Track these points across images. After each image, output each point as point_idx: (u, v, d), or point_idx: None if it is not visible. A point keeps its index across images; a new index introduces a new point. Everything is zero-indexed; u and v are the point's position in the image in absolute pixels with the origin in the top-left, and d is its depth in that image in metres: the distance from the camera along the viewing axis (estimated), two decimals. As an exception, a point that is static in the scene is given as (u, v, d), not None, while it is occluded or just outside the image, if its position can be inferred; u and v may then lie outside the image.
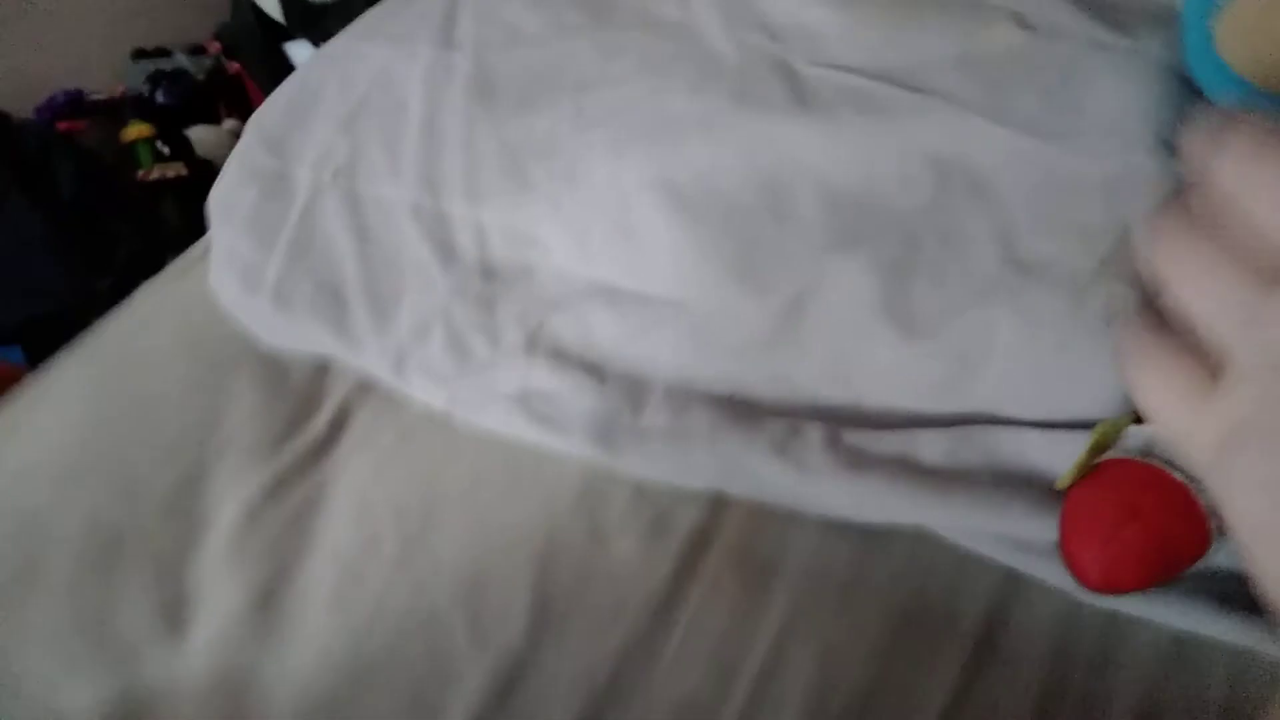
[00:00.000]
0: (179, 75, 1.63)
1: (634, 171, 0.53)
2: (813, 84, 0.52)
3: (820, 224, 0.49)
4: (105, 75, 1.62)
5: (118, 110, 1.56)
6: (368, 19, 0.69)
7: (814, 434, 0.45)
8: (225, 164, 0.64)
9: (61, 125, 1.48)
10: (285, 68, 1.66)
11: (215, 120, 1.64)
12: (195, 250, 0.64)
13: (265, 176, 0.61)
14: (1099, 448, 0.38)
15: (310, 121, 0.62)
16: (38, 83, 1.55)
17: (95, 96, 1.54)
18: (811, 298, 0.48)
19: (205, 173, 1.51)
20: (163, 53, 1.63)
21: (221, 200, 0.61)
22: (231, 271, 0.57)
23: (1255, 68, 0.37)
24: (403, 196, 0.58)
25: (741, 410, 0.47)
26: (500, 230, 0.56)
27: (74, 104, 1.52)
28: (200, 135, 1.61)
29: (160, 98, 1.59)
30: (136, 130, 1.54)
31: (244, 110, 1.67)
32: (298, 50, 1.65)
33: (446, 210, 0.57)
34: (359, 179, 0.59)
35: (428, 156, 0.58)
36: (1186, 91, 0.44)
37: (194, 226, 0.66)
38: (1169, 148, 0.42)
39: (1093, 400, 0.42)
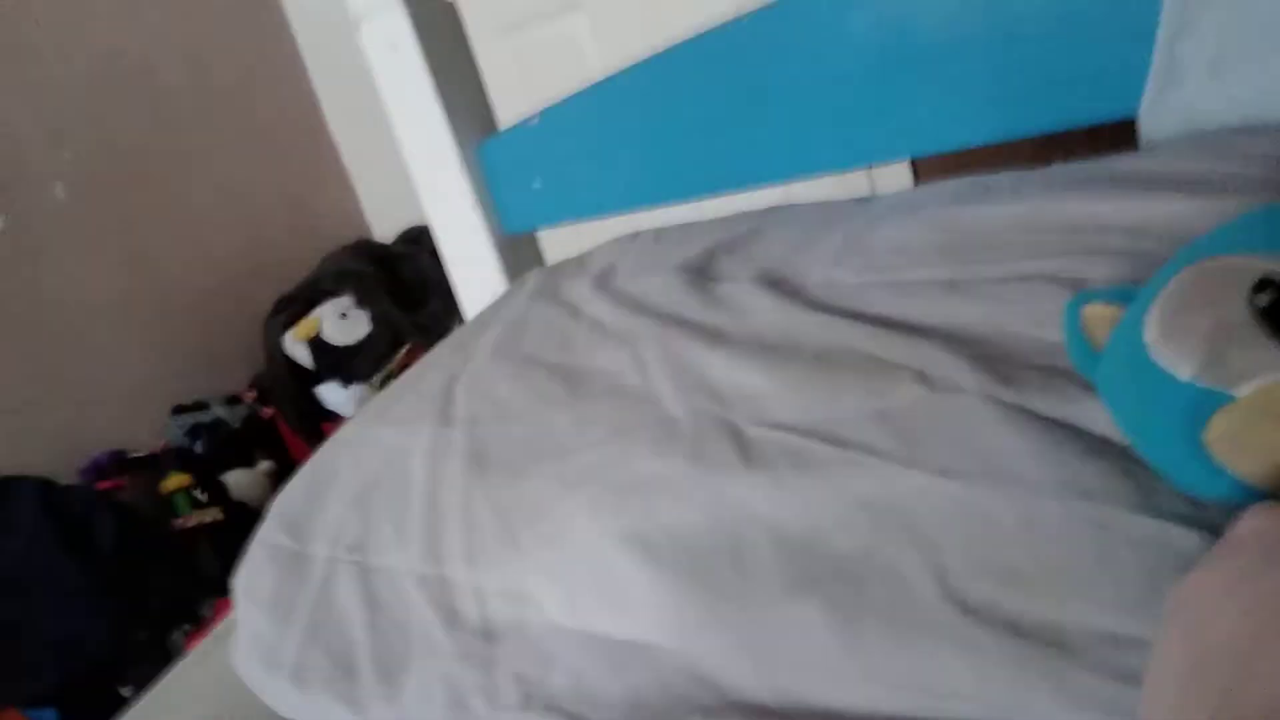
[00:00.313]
0: (216, 425, 1.75)
1: (612, 530, 0.58)
2: (756, 443, 0.58)
3: (776, 571, 0.53)
4: (145, 431, 1.73)
5: (158, 463, 1.66)
6: (378, 402, 0.78)
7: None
8: (249, 547, 0.70)
9: (102, 484, 1.58)
10: (317, 409, 1.79)
11: (250, 463, 1.74)
12: (222, 628, 0.68)
13: (284, 557, 0.67)
14: None
15: (326, 502, 0.69)
16: (82, 443, 1.65)
17: (135, 454, 1.65)
18: (773, 638, 0.51)
19: (241, 515, 1.59)
20: (201, 405, 1.75)
21: (244, 583, 0.67)
22: (254, 653, 0.62)
23: (1254, 463, 0.39)
24: (410, 566, 0.64)
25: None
26: (497, 592, 0.61)
27: (116, 463, 1.62)
28: (236, 479, 1.70)
29: (198, 449, 1.70)
30: (175, 481, 1.63)
31: (278, 452, 1.78)
32: (328, 392, 1.78)
33: (449, 576, 0.62)
34: (370, 553, 0.65)
35: (431, 527, 0.64)
36: (1074, 441, 0.49)
37: (229, 568, 0.71)
38: (1073, 491, 0.47)
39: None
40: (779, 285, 0.71)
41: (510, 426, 0.69)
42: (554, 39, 1.43)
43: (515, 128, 1.01)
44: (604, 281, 0.80)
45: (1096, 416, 0.50)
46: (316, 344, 1.77)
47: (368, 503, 0.68)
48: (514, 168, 1.01)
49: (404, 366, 1.73)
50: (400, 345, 1.75)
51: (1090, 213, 0.63)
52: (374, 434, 0.73)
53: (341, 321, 1.77)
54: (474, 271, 1.05)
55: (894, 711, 0.49)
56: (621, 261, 0.84)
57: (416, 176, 1.05)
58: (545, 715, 0.54)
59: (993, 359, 0.56)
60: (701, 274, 0.76)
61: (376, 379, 1.73)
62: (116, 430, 1.68)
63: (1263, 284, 0.39)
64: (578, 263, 0.89)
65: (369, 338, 1.78)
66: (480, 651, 0.59)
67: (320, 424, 1.75)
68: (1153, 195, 0.62)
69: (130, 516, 1.50)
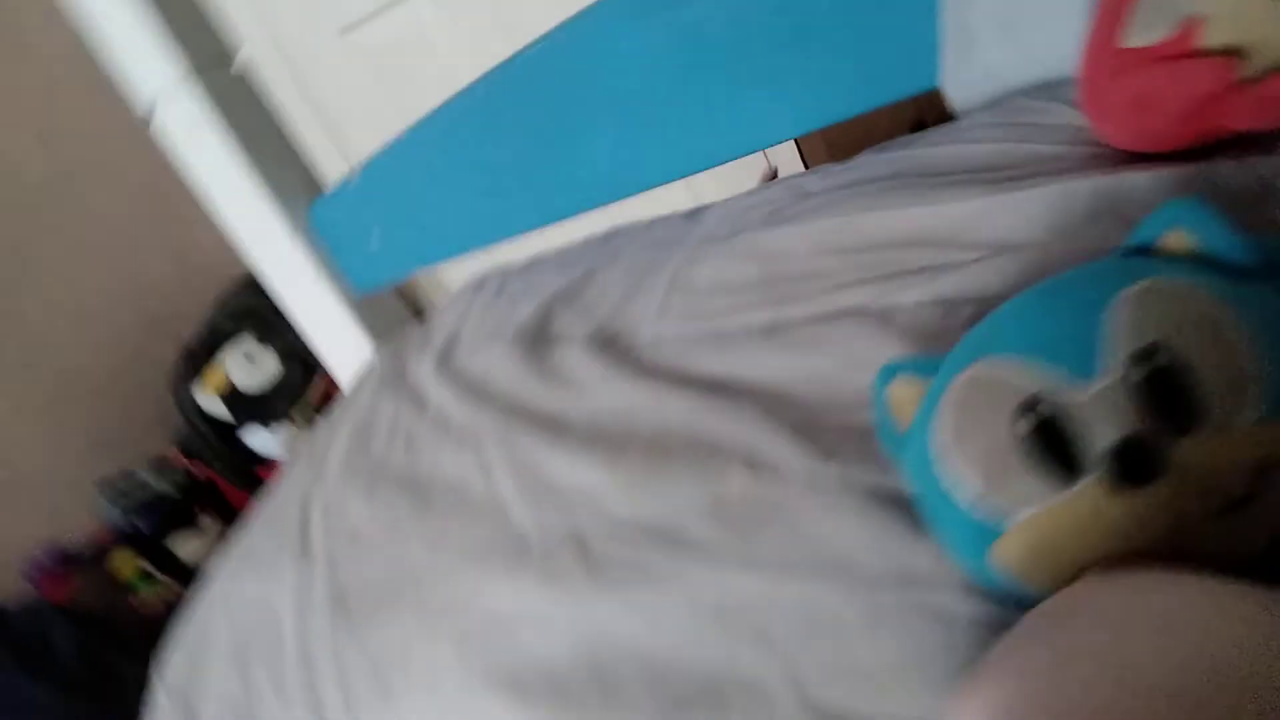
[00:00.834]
0: (152, 499, 1.72)
1: (478, 670, 0.57)
2: (603, 558, 0.57)
3: (645, 698, 0.52)
4: (79, 516, 1.71)
5: (101, 548, 1.64)
6: (239, 548, 0.76)
7: None
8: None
9: (50, 586, 1.56)
10: (248, 456, 1.77)
11: (194, 524, 1.73)
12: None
13: (179, 733, 0.66)
14: None
15: (208, 666, 0.68)
16: (16, 546, 1.62)
17: (75, 546, 1.62)
18: None
19: (198, 579, 1.58)
20: (128, 475, 1.72)
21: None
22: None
23: (1043, 580, 0.38)
24: (295, 723, 0.63)
25: None
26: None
27: (58, 558, 1.60)
28: (186, 545, 1.69)
29: (141, 526, 1.68)
30: (125, 562, 1.62)
31: (220, 507, 1.76)
32: (253, 438, 1.76)
33: (329, 728, 0.61)
34: (254, 715, 0.64)
35: (308, 683, 0.64)
36: (901, 519, 0.48)
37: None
38: (906, 580, 0.46)
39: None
40: (612, 345, 0.68)
41: (366, 560, 0.67)
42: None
43: (339, 188, 0.97)
44: (447, 358, 0.78)
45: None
46: (229, 394, 1.74)
47: (245, 663, 0.67)
48: (347, 227, 0.97)
49: (324, 396, 1.70)
50: (313, 373, 1.72)
51: (898, 226, 0.61)
52: (240, 587, 0.72)
53: (248, 365, 1.73)
54: (336, 337, 1.02)
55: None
56: (464, 327, 0.82)
57: (253, 254, 1.01)
58: None
59: (815, 429, 0.54)
60: (540, 337, 0.74)
61: (298, 416, 1.71)
62: (49, 524, 1.65)
63: (1025, 407, 0.37)
64: (425, 333, 0.86)
65: (280, 375, 1.74)
66: None
67: (255, 470, 1.73)
68: (956, 194, 0.59)
69: (87, 620, 1.50)
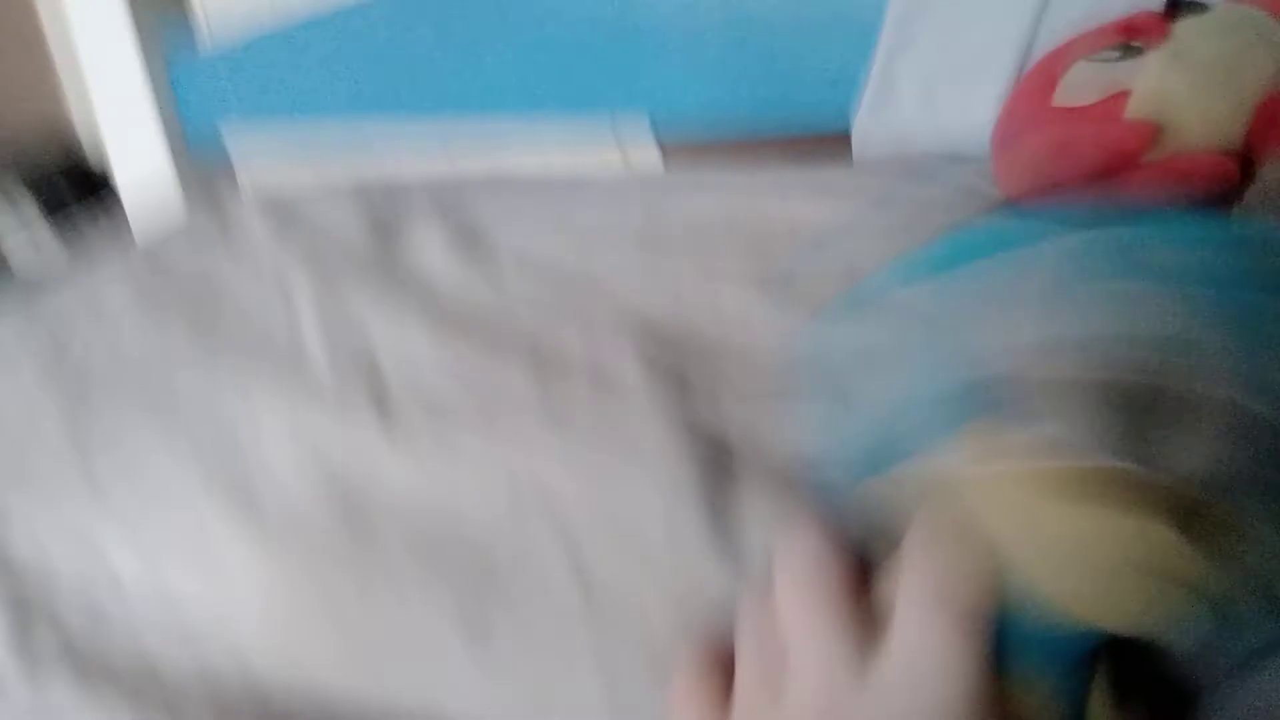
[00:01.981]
0: None
1: (216, 489, 0.50)
2: (402, 408, 0.51)
3: (403, 551, 0.47)
4: None
5: None
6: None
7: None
8: None
9: None
10: None
11: None
12: None
13: None
14: None
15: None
16: None
17: None
18: (396, 627, 0.46)
19: None
20: None
21: None
22: None
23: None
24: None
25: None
26: (60, 528, 0.52)
27: None
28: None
29: None
30: None
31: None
32: None
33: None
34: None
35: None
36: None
37: None
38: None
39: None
40: (471, 239, 0.64)
41: (124, 375, 0.58)
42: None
43: (217, 54, 0.89)
44: (266, 199, 0.71)
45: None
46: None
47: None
48: (210, 92, 0.89)
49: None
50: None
51: (786, 216, 0.61)
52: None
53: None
54: (149, 197, 0.92)
55: (505, 709, 0.44)
56: (303, 192, 0.75)
57: (95, 89, 0.90)
58: (96, 686, 0.45)
59: (667, 347, 0.52)
60: (388, 218, 0.68)
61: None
62: None
63: None
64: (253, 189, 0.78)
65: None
66: (27, 614, 0.49)
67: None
68: (852, 205, 0.60)
69: None
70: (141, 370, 0.58)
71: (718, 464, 0.44)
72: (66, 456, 0.54)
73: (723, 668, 0.38)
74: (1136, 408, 0.29)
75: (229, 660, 0.47)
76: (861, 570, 0.35)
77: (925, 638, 0.30)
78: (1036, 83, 0.57)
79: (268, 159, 0.93)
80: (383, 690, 0.45)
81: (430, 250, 0.63)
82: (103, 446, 0.54)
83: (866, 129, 0.71)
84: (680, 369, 0.51)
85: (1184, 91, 0.51)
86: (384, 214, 0.69)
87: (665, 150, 0.85)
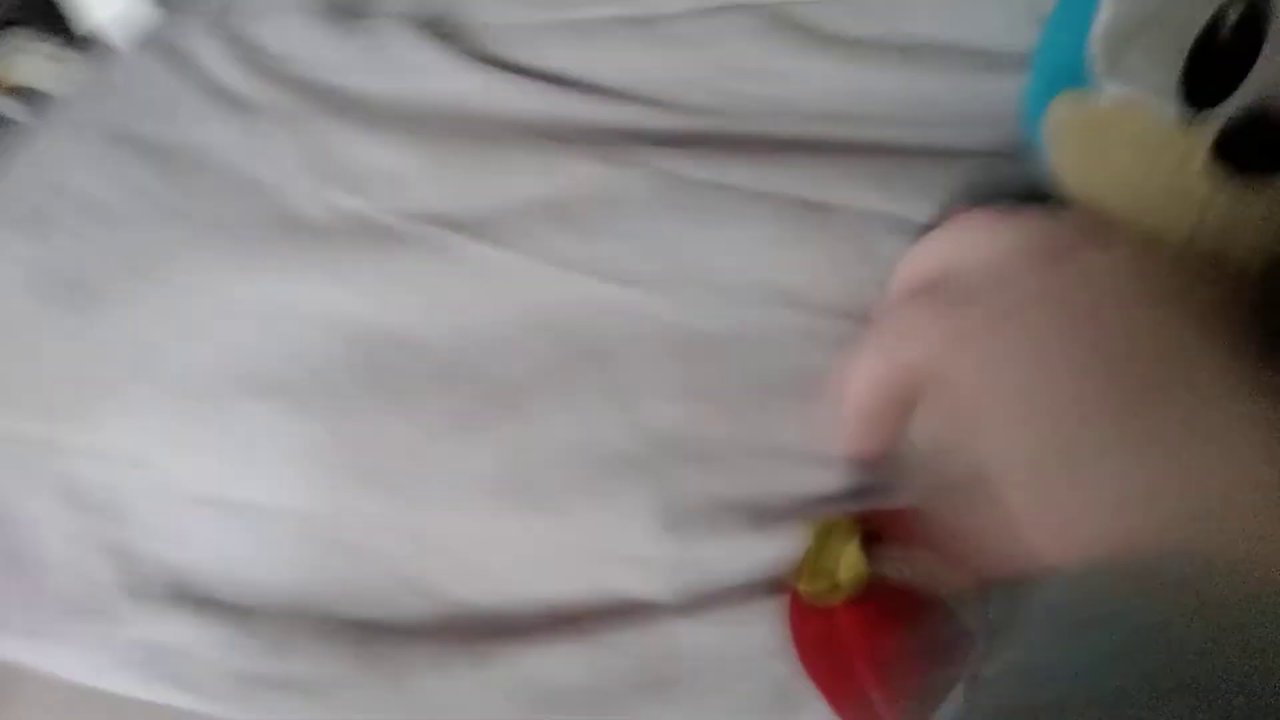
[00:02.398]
0: None
1: (234, 368, 0.48)
2: (400, 239, 0.47)
3: (433, 405, 0.44)
4: None
5: None
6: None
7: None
8: None
9: None
10: None
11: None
12: None
13: None
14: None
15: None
16: None
17: None
18: (432, 491, 0.44)
19: None
20: None
21: None
22: None
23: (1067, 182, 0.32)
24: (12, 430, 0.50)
25: (388, 639, 0.43)
26: (115, 455, 0.49)
27: None
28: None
29: None
30: None
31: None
32: None
33: (57, 439, 0.50)
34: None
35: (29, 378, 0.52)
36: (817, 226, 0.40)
37: None
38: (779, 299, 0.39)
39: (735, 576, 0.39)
40: (438, 25, 0.56)
41: (96, 232, 0.53)
42: None
43: None
44: (225, 22, 0.62)
45: (803, 179, 0.43)
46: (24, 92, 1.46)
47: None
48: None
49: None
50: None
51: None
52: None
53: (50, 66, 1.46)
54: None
55: (559, 559, 0.43)
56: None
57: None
58: (194, 610, 0.45)
59: (685, 138, 0.46)
60: (347, 8, 0.60)
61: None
62: None
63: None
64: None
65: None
66: (112, 536, 0.47)
67: None
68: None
69: None
70: (131, 237, 0.54)
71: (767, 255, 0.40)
72: (82, 357, 0.51)
73: None
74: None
75: (284, 534, 0.46)
76: None
77: None
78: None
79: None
80: (434, 563, 0.44)
81: (397, 45, 0.55)
82: (108, 337, 0.51)
83: None
84: (704, 151, 0.45)
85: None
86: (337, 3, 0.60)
87: None
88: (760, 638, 0.38)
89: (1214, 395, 0.22)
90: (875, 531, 0.35)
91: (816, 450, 0.39)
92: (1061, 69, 0.31)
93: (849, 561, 0.34)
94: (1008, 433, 0.26)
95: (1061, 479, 0.24)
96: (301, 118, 0.53)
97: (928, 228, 0.37)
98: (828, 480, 0.39)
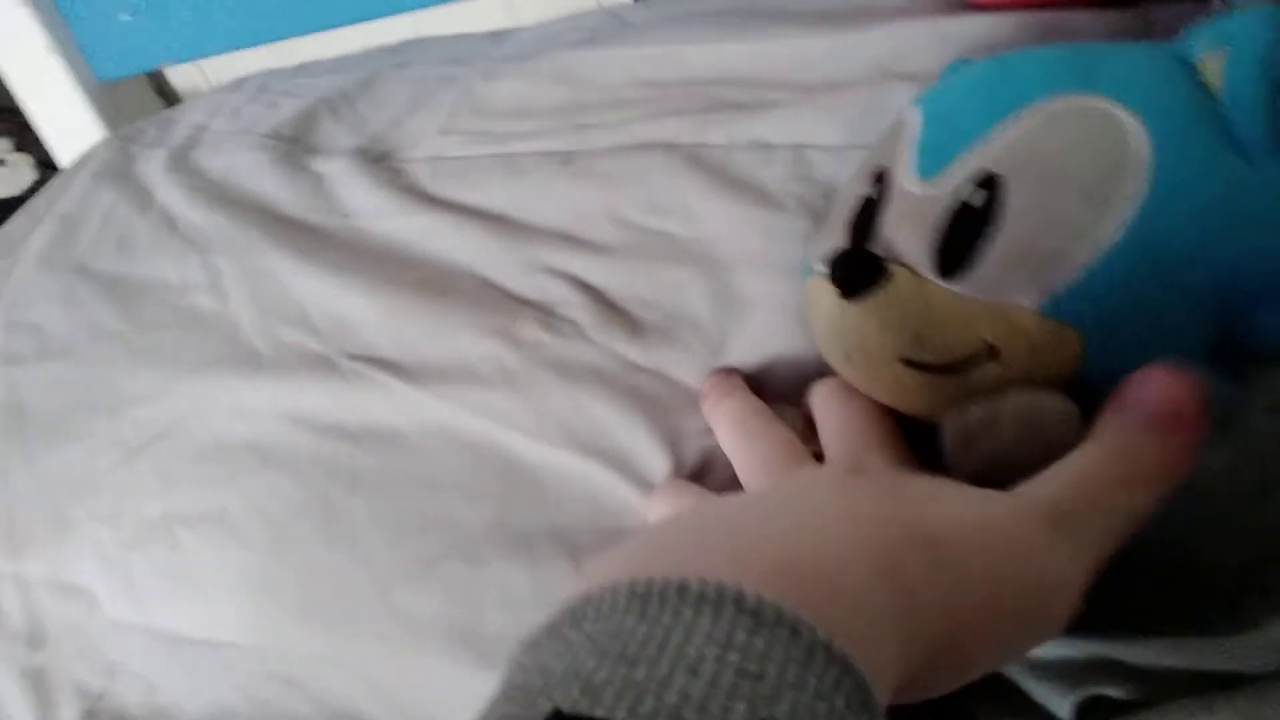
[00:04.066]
0: None
1: (183, 506, 0.49)
2: (353, 375, 0.49)
3: (381, 547, 0.45)
4: None
5: None
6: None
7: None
8: None
9: None
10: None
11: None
12: None
13: None
14: None
15: None
16: None
17: None
18: (378, 632, 0.44)
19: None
20: None
21: None
22: None
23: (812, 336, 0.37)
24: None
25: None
26: (45, 583, 0.50)
27: None
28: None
29: None
30: None
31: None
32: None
33: (-12, 567, 0.51)
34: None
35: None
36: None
37: None
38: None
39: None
40: (381, 162, 0.59)
41: (54, 367, 0.56)
42: None
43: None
44: (182, 156, 0.65)
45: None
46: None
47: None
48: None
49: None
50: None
51: (720, 62, 0.54)
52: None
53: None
54: (71, 127, 0.86)
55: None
56: (211, 124, 0.69)
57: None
58: None
59: (613, 294, 0.47)
60: (297, 144, 0.63)
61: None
62: None
63: (875, 177, 0.34)
64: (163, 124, 0.72)
65: (35, 186, 1.52)
66: (27, 662, 0.49)
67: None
68: (786, 33, 0.53)
69: None
70: (72, 362, 0.57)
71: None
72: (33, 501, 0.52)
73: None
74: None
75: (228, 681, 0.46)
76: None
77: None
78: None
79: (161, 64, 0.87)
80: (375, 695, 0.44)
81: (340, 183, 0.58)
82: (51, 466, 0.53)
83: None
84: (628, 319, 0.47)
85: None
86: (286, 137, 0.63)
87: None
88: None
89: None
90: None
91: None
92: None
93: None
94: None
95: None
96: (254, 254, 0.56)
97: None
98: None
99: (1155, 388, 0.27)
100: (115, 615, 0.49)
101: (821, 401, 0.36)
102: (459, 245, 0.52)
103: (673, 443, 0.42)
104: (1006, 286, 0.28)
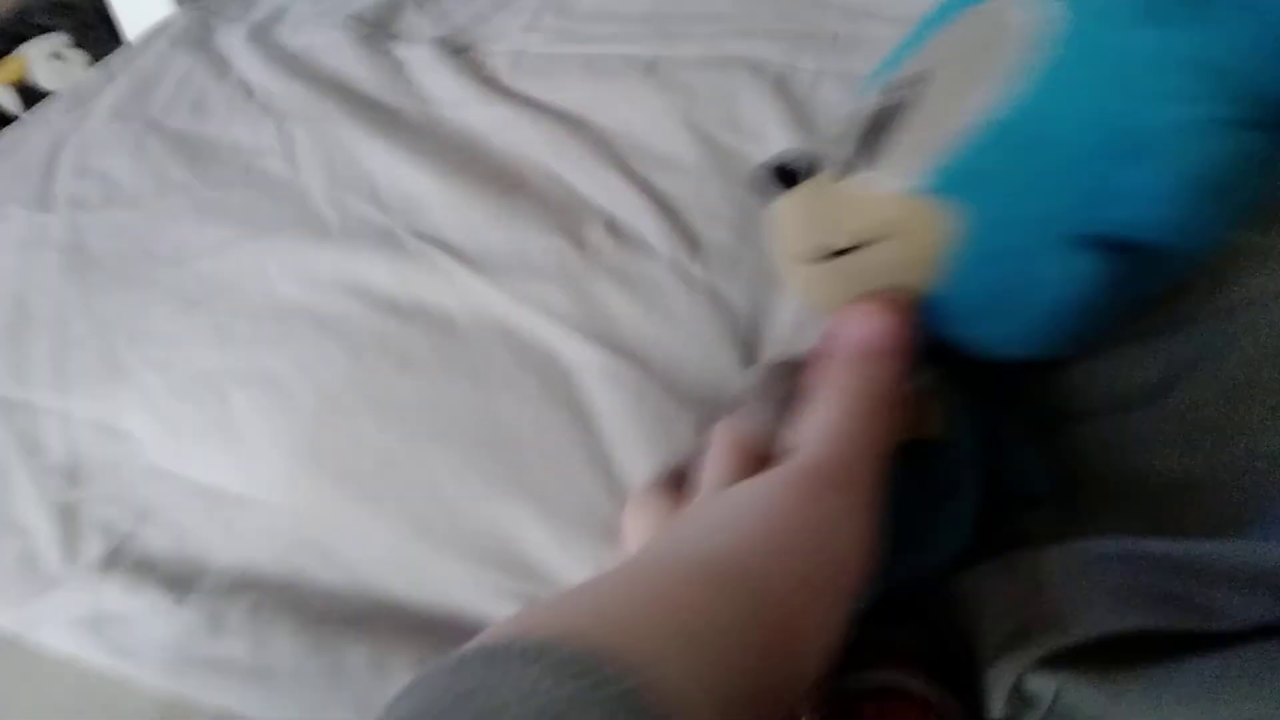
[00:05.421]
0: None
1: (236, 364, 0.49)
2: (418, 254, 0.49)
3: (426, 431, 0.45)
4: None
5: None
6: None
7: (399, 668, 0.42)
8: None
9: None
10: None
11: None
12: None
13: None
14: None
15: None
16: None
17: None
18: (417, 515, 0.45)
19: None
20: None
21: None
22: None
23: None
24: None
25: (330, 636, 0.43)
26: (89, 422, 0.51)
27: None
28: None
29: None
30: None
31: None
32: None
33: (32, 401, 0.51)
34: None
35: (15, 340, 0.53)
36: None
37: None
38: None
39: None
40: (463, 53, 0.58)
41: (120, 214, 0.56)
42: None
43: None
44: (263, 30, 0.65)
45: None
46: (24, 89, 1.51)
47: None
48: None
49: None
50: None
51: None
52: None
53: (54, 63, 1.51)
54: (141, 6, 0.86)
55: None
56: (295, 4, 0.69)
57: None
58: (134, 577, 0.46)
59: (682, 207, 0.47)
60: (379, 29, 0.63)
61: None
62: None
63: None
64: (244, 1, 0.72)
65: (87, 84, 1.53)
66: (61, 496, 0.49)
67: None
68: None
69: None
70: (138, 213, 0.57)
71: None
72: (88, 342, 0.53)
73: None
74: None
75: (261, 540, 0.47)
76: None
77: None
78: None
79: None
80: (408, 576, 0.45)
81: (421, 70, 0.58)
82: (110, 309, 0.53)
83: None
84: (695, 235, 0.47)
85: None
86: (370, 20, 0.63)
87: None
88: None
89: None
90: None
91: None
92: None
93: None
94: None
95: None
96: (329, 124, 0.56)
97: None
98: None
99: (856, 324, 0.30)
100: (156, 462, 0.49)
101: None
102: (533, 140, 0.52)
103: (716, 365, 0.42)
104: (901, 173, 0.30)
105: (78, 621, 0.45)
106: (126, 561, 0.47)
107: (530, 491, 0.43)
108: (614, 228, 0.47)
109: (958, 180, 0.29)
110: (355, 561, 0.45)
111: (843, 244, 0.31)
